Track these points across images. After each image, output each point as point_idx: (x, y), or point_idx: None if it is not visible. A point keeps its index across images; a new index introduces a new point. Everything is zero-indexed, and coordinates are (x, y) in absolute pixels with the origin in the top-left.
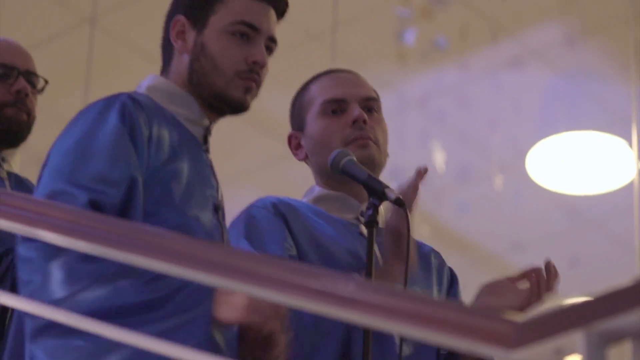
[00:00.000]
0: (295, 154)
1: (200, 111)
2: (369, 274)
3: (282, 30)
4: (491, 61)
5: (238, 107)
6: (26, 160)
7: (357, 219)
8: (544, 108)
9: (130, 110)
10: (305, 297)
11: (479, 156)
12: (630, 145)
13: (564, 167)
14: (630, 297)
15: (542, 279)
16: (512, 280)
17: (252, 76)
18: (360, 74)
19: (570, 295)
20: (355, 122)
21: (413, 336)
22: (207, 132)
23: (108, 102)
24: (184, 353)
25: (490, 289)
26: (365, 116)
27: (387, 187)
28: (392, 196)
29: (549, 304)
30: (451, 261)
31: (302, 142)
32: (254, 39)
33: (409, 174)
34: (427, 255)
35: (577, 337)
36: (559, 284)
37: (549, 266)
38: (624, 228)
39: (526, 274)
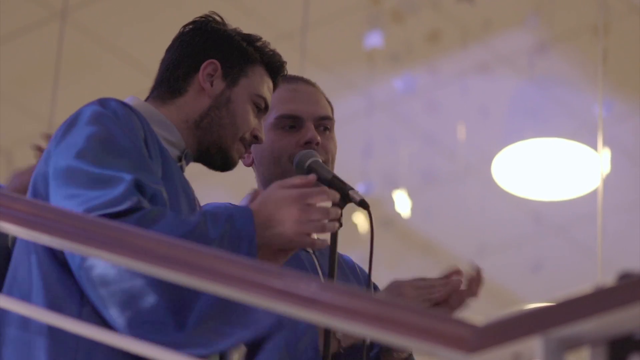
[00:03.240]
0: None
1: (179, 136)
2: (331, 276)
3: (251, 30)
4: (460, 66)
5: (227, 166)
6: None
7: None
8: (511, 114)
9: (126, 112)
10: (268, 297)
11: (446, 160)
12: (596, 152)
13: (530, 173)
14: (589, 304)
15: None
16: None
17: (246, 143)
18: (329, 75)
19: (533, 301)
20: (307, 143)
21: (373, 337)
22: (182, 153)
23: (102, 103)
24: None
25: (396, 289)
26: (319, 138)
27: (352, 188)
28: (357, 198)
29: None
30: (415, 264)
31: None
32: (262, 114)
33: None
34: (353, 269)
35: (535, 342)
36: (522, 288)
37: (476, 273)
38: (587, 235)
39: (449, 275)
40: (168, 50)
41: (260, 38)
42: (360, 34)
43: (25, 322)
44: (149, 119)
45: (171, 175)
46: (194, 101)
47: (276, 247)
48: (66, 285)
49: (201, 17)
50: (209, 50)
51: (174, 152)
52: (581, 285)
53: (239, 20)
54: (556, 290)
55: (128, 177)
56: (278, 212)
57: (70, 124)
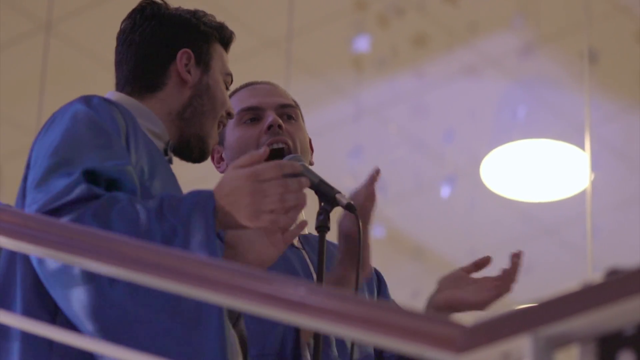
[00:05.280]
0: (217, 167)
1: (163, 127)
2: (319, 279)
3: (237, 37)
4: (447, 69)
5: (203, 157)
6: None
7: None
8: (499, 116)
9: (108, 108)
10: (256, 302)
11: (434, 163)
12: (584, 152)
13: (519, 175)
14: (577, 302)
15: (506, 272)
16: (467, 270)
17: (223, 122)
18: (316, 81)
19: (524, 302)
20: (270, 127)
21: (362, 340)
22: (167, 146)
23: (85, 100)
24: None
25: (451, 282)
26: (280, 121)
27: (339, 192)
28: (344, 202)
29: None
30: (407, 268)
31: (223, 155)
32: (227, 89)
33: (364, 179)
34: None
35: (524, 341)
36: (513, 290)
37: (514, 258)
38: (576, 235)
39: (481, 263)
40: (127, 44)
41: (205, 13)
42: (346, 39)
43: (6, 331)
44: (133, 112)
45: (159, 171)
46: (175, 93)
47: (242, 228)
48: (41, 295)
49: (146, 2)
50: (176, 39)
51: (159, 144)
52: (572, 285)
53: None
54: (547, 291)
55: (78, 169)
56: (233, 193)
57: (51, 122)
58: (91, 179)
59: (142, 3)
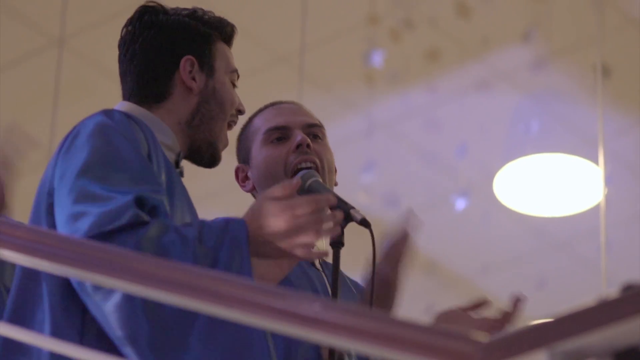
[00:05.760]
0: (242, 187)
1: (174, 138)
2: (334, 295)
3: (250, 52)
4: (459, 83)
5: (214, 162)
6: None
7: None
8: (512, 130)
9: (129, 124)
10: (271, 318)
11: (447, 178)
12: (598, 166)
13: (532, 189)
14: (593, 317)
15: (505, 316)
16: (466, 309)
17: (234, 120)
18: (329, 96)
19: (538, 317)
20: (298, 146)
21: (378, 356)
22: (178, 157)
23: (107, 114)
24: None
25: (448, 318)
26: (309, 140)
27: (353, 207)
28: (358, 217)
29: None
30: (419, 283)
31: (249, 174)
32: (235, 84)
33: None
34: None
35: (540, 357)
36: (526, 305)
37: (516, 299)
38: (590, 249)
39: (480, 304)
40: (129, 55)
41: (203, 11)
42: (358, 54)
43: (27, 349)
44: (150, 125)
45: (174, 186)
46: (182, 102)
47: (275, 258)
48: (69, 315)
49: (144, 8)
50: (177, 46)
51: (171, 157)
52: (586, 300)
53: (236, 43)
54: (561, 306)
55: (128, 192)
56: (268, 226)
57: (75, 136)
58: (138, 203)
59: (140, 10)
